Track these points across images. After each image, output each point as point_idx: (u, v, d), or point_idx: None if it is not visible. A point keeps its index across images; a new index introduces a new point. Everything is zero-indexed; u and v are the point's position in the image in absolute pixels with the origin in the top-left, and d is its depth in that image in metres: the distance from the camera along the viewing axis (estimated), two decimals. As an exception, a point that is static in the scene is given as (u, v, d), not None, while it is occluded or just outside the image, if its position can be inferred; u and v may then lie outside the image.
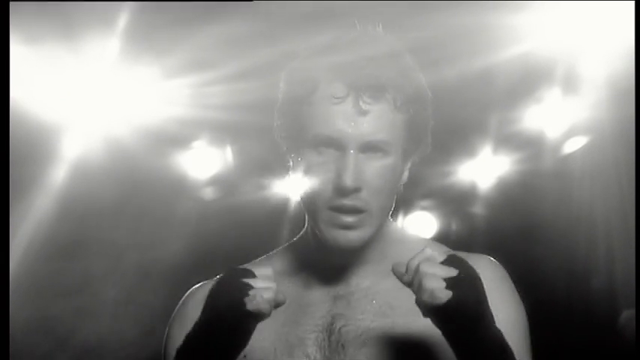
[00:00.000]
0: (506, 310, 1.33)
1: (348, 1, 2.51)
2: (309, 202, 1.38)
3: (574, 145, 3.69)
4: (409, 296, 1.24)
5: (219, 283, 1.25)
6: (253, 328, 1.24)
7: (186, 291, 1.51)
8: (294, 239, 1.51)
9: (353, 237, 1.34)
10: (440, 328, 1.21)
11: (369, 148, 1.33)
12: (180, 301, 1.48)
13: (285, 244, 1.53)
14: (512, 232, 3.80)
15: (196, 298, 1.40)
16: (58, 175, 3.38)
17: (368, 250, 1.41)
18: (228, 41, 2.96)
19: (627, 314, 3.46)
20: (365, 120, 1.31)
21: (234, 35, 2.93)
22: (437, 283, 1.16)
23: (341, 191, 1.31)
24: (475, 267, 1.22)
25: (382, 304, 1.38)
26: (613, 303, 3.55)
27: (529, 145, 3.79)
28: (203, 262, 3.96)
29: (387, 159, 1.34)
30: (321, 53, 1.41)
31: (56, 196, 3.38)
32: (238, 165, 3.93)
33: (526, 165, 3.91)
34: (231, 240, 3.85)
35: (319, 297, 1.41)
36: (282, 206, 4.05)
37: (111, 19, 2.87)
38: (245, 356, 1.35)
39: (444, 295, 1.14)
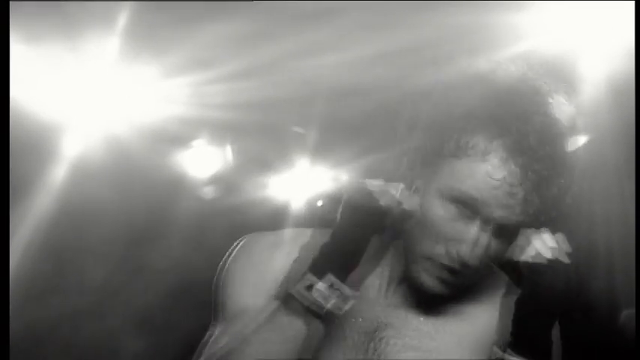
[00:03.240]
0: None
1: (348, 1, 2.52)
2: (414, 243, 1.29)
3: (573, 144, 3.68)
4: (460, 323, 1.33)
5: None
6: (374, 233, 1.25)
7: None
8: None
9: (442, 288, 1.29)
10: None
11: (499, 227, 1.25)
12: (237, 249, 1.44)
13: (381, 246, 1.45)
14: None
15: (260, 244, 1.40)
16: (58, 174, 3.38)
17: None
18: (228, 40, 2.96)
19: (627, 314, 3.46)
20: (510, 202, 1.22)
21: (234, 34, 2.93)
22: (544, 246, 1.23)
23: (452, 257, 1.25)
24: None
25: (439, 329, 1.34)
26: (613, 303, 3.55)
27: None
28: (203, 261, 3.96)
29: (510, 238, 1.27)
30: (481, 105, 1.25)
31: (56, 195, 3.38)
32: (238, 164, 3.93)
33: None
34: (231, 238, 3.84)
35: (377, 298, 1.37)
36: (282, 205, 4.05)
37: (111, 18, 2.87)
38: None
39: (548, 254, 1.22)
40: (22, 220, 3.29)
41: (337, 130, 3.64)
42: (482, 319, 1.36)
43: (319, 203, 4.20)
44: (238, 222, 3.92)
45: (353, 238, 1.24)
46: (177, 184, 3.91)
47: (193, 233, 3.92)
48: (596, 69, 3.08)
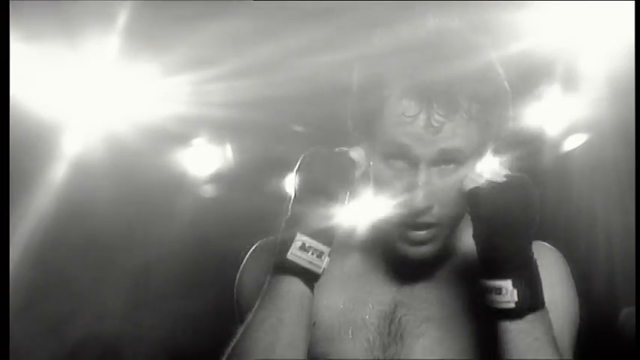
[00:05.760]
0: (558, 293, 1.37)
1: (348, 1, 2.51)
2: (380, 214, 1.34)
3: (573, 143, 3.68)
4: (473, 285, 1.30)
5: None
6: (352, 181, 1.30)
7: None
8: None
9: (425, 251, 1.33)
10: (477, 233, 1.23)
11: (442, 160, 1.28)
12: (247, 255, 1.52)
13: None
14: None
15: (265, 249, 1.47)
16: (58, 172, 3.38)
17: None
18: (228, 39, 2.96)
19: (627, 312, 3.46)
20: (438, 136, 1.25)
21: (234, 33, 2.93)
22: (478, 176, 1.24)
23: (412, 210, 1.28)
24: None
25: (445, 293, 1.38)
26: (613, 302, 3.55)
27: (528, 143, 3.79)
28: (203, 260, 3.96)
29: (460, 169, 1.29)
30: (392, 53, 1.33)
31: (56, 194, 3.39)
32: (238, 163, 3.93)
33: (525, 163, 3.89)
34: (231, 237, 3.84)
35: (386, 280, 1.41)
36: (282, 204, 4.04)
37: (111, 16, 2.87)
38: (314, 324, 1.36)
39: (479, 181, 1.22)
40: (21, 219, 3.30)
41: (337, 128, 3.63)
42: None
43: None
44: (238, 220, 3.92)
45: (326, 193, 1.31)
46: (177, 183, 3.91)
47: (193, 231, 3.92)
48: (595, 68, 3.08)
